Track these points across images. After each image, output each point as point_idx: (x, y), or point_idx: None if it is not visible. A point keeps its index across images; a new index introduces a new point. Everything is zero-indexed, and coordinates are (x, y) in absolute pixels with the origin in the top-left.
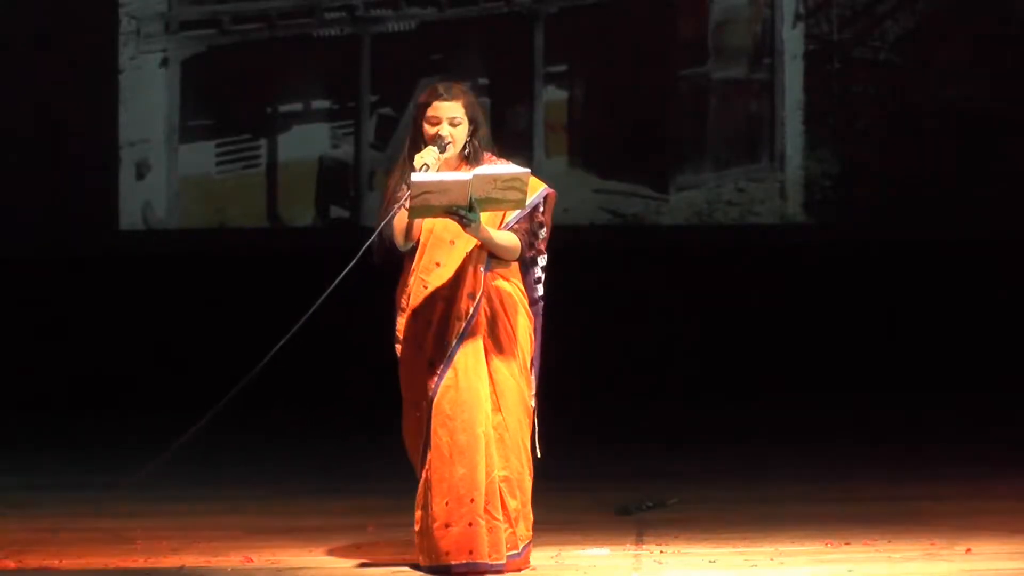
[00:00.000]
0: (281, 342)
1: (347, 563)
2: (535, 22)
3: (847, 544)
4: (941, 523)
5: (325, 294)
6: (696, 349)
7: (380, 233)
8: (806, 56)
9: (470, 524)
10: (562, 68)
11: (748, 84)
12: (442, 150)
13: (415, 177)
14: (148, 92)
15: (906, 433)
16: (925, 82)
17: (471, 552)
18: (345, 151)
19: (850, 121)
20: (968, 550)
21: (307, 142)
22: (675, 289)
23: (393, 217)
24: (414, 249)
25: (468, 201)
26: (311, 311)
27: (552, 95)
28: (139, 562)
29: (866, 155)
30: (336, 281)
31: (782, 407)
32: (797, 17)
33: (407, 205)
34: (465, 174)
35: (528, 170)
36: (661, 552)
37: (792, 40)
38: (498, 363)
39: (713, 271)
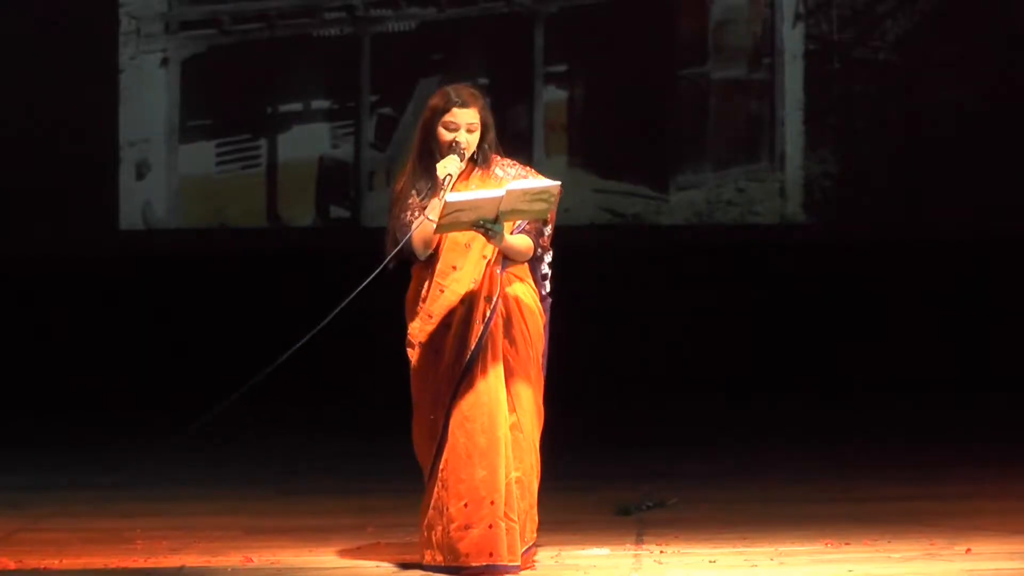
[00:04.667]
0: (299, 343)
1: (347, 563)
2: (535, 22)
3: (847, 544)
4: (941, 523)
5: (346, 301)
6: (696, 349)
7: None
8: (806, 56)
9: (490, 526)
10: (562, 68)
11: (748, 84)
12: (461, 158)
13: (450, 198)
14: (148, 92)
15: (906, 432)
16: (925, 82)
17: (491, 554)
18: (345, 151)
19: (850, 121)
20: (968, 550)
21: (307, 142)
22: (675, 289)
23: (415, 229)
24: (430, 255)
25: (496, 215)
26: (330, 317)
27: (552, 95)
28: (139, 562)
29: (866, 155)
30: (358, 289)
31: (782, 407)
32: (797, 17)
33: (433, 219)
34: (498, 191)
35: (559, 183)
36: (661, 552)
37: (792, 40)
38: (513, 364)
39: (713, 271)
